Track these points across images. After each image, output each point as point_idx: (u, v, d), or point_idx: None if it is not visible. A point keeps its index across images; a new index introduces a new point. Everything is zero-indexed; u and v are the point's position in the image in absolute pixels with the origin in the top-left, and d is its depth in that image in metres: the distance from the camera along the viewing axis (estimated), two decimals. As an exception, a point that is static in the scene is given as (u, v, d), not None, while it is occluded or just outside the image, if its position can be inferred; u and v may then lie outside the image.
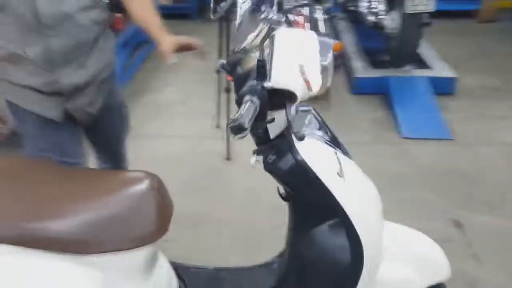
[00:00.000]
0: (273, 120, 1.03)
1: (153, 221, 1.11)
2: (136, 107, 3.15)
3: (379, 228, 1.18)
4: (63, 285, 1.01)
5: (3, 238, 0.98)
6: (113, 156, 1.76)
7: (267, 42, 0.94)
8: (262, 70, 0.92)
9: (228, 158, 2.62)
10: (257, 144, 1.12)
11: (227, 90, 2.61)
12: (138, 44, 3.88)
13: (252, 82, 0.93)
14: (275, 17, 0.91)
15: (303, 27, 2.82)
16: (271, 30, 0.93)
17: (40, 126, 1.42)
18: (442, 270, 1.26)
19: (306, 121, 1.14)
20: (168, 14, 4.72)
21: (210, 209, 2.22)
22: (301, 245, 1.21)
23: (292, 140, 1.04)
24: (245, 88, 0.92)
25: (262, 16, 0.88)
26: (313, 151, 1.07)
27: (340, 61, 3.13)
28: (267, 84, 0.92)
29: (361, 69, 3.39)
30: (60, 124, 1.43)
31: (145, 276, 1.15)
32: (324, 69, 1.03)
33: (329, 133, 1.18)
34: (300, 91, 0.96)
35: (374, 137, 2.86)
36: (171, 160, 2.61)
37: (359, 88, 3.34)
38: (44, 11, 1.24)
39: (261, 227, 2.09)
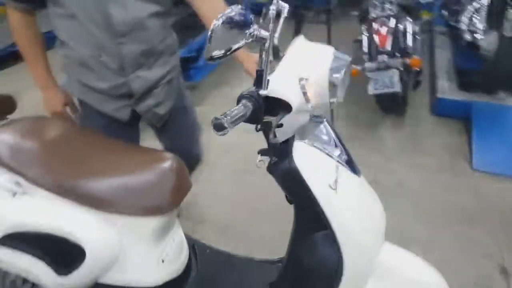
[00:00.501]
0: (281, 125, 1.10)
1: (167, 196, 1.27)
2: (213, 98, 3.38)
3: (371, 246, 1.18)
4: (85, 233, 1.21)
5: (47, 186, 1.22)
6: (187, 157, 1.90)
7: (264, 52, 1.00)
8: (260, 78, 1.00)
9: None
10: (268, 145, 1.20)
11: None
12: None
13: (252, 88, 1.02)
14: (262, 33, 0.97)
15: (385, 38, 2.77)
16: (262, 44, 0.99)
17: (105, 124, 1.55)
18: None
19: (316, 131, 1.18)
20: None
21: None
22: (296, 249, 1.27)
23: (291, 146, 1.11)
24: (244, 92, 1.01)
25: (250, 31, 0.94)
26: (309, 160, 1.11)
27: (418, 77, 3.00)
28: (262, 92, 1.00)
29: (446, 89, 3.20)
30: (124, 124, 1.56)
31: (154, 243, 1.32)
32: (332, 85, 1.07)
33: (337, 146, 1.20)
34: (295, 102, 1.01)
35: (442, 164, 2.69)
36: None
37: (441, 109, 3.16)
38: (117, 18, 1.35)
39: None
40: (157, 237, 1.32)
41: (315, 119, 1.19)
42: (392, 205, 2.34)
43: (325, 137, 1.19)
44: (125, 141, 1.49)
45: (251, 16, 0.94)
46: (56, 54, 1.51)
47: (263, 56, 0.99)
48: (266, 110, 1.02)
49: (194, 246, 1.57)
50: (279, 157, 1.13)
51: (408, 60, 2.72)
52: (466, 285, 1.87)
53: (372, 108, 3.21)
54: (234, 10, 0.92)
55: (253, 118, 1.00)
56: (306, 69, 1.04)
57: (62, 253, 1.21)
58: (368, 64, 2.77)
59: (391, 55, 2.75)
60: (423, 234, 2.15)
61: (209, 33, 0.89)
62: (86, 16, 1.34)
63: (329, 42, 2.68)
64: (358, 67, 2.78)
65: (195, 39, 3.69)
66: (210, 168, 2.07)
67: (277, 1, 1.01)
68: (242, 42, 0.94)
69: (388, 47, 2.77)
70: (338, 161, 1.16)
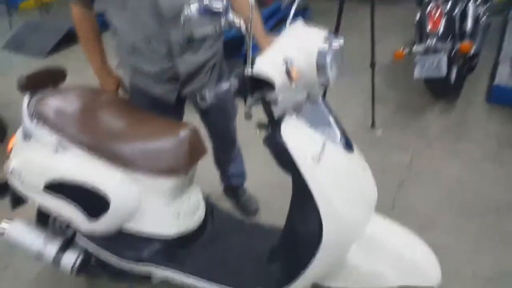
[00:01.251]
0: (275, 101, 1.20)
1: (181, 160, 1.45)
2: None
3: (354, 216, 1.25)
4: (110, 186, 1.43)
5: (83, 145, 1.45)
6: (223, 138, 2.01)
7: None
8: (246, 59, 1.11)
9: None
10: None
11: (372, 65, 2.69)
12: (280, 20, 4.16)
13: (240, 68, 1.13)
14: (235, 20, 1.08)
15: (437, 21, 2.68)
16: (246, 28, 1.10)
17: (152, 105, 1.67)
18: (426, 275, 1.28)
19: (310, 110, 1.26)
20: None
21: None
22: (290, 217, 1.39)
23: (281, 121, 1.21)
24: (235, 71, 1.13)
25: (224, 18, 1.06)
26: (295, 133, 1.20)
27: (471, 63, 2.85)
28: (247, 71, 1.10)
29: (504, 76, 3.00)
30: (170, 106, 1.70)
31: (170, 200, 1.52)
32: (321, 67, 1.14)
33: (330, 123, 1.27)
34: (279, 81, 1.11)
35: (486, 152, 2.57)
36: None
37: (496, 97, 2.97)
38: (164, 5, 1.46)
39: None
40: (173, 195, 1.51)
41: (312, 97, 1.27)
42: (425, 191, 2.33)
43: (318, 115, 1.27)
44: None
45: (226, 4, 1.05)
46: (108, 38, 1.69)
47: (246, 39, 1.09)
48: (255, 87, 1.13)
49: (212, 209, 1.74)
50: (271, 131, 1.23)
51: (459, 44, 2.61)
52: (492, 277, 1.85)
53: (420, 92, 3.12)
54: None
55: (240, 93, 1.11)
56: (293, 51, 1.13)
57: (91, 202, 1.45)
58: (415, 47, 2.70)
59: (441, 38, 2.65)
60: (454, 222, 2.12)
61: (181, 19, 1.01)
62: (136, 5, 1.48)
63: (372, 24, 2.63)
64: (406, 50, 2.72)
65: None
66: (244, 149, 2.19)
67: None
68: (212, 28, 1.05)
69: (440, 30, 2.67)
70: (327, 137, 1.24)
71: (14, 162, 1.56)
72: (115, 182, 1.44)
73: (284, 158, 1.22)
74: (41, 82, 1.62)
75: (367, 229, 1.31)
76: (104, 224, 1.47)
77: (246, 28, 1.11)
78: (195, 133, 1.49)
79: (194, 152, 1.47)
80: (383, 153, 2.62)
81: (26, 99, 1.58)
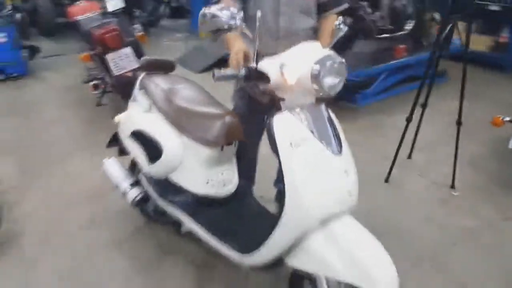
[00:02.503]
0: (283, 99, 1.54)
1: (218, 137, 1.87)
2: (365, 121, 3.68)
3: (316, 207, 1.45)
4: (166, 142, 1.95)
5: (162, 111, 2.01)
6: None
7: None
8: (256, 59, 1.50)
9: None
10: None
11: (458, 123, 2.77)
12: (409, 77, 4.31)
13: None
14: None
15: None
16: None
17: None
18: (372, 282, 1.37)
19: (311, 111, 1.53)
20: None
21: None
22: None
23: (274, 110, 1.54)
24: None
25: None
26: (283, 123, 1.50)
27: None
28: (252, 65, 1.49)
29: None
30: None
31: (202, 167, 1.95)
32: (313, 77, 1.44)
33: (325, 127, 1.53)
34: (273, 77, 1.46)
35: None
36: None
37: None
38: (282, 26, 1.94)
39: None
40: (207, 164, 1.96)
41: (316, 103, 1.56)
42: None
43: (319, 119, 1.54)
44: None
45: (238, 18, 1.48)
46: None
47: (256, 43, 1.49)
48: (258, 78, 1.51)
49: (247, 196, 2.11)
50: (268, 119, 1.57)
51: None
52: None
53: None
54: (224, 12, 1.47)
55: (246, 79, 1.51)
56: (292, 60, 1.47)
57: (152, 150, 1.98)
58: (512, 117, 2.62)
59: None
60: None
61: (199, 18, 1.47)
62: (264, 22, 1.83)
63: (462, 84, 2.67)
64: (506, 118, 2.66)
65: (366, 68, 4.10)
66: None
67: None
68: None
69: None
70: (317, 136, 1.49)
71: (120, 116, 2.23)
72: (170, 140, 1.96)
73: (272, 141, 1.53)
74: (156, 67, 2.28)
75: (336, 225, 1.48)
76: (156, 168, 1.99)
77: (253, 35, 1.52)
78: (235, 121, 1.90)
79: (229, 134, 1.88)
80: (451, 215, 2.58)
81: (142, 75, 2.25)
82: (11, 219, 2.50)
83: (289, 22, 1.96)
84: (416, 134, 3.04)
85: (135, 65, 3.61)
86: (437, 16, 4.54)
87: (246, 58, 1.69)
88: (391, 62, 4.29)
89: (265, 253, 1.61)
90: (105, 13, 4.29)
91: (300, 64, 1.46)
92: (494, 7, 5.17)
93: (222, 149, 1.94)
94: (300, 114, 1.52)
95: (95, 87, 3.91)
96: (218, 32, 1.50)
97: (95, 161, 2.51)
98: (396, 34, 4.38)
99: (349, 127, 3.58)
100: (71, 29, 6.12)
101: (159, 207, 2.18)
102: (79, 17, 4.21)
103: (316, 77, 1.43)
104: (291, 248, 1.55)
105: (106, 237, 2.38)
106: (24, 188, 2.86)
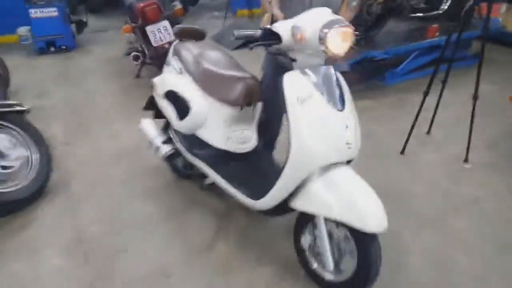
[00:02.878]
0: (295, 60, 1.75)
1: (238, 97, 2.11)
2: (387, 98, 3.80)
3: (317, 154, 1.66)
4: (194, 100, 2.20)
5: (191, 74, 2.27)
6: None
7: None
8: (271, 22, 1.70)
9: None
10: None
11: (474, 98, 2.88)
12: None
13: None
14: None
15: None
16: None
17: None
18: (364, 222, 1.59)
19: (320, 71, 1.71)
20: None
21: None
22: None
23: (287, 68, 1.74)
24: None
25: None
26: (292, 79, 1.70)
27: None
28: (267, 26, 1.70)
29: None
30: None
31: (224, 125, 2.21)
32: (320, 38, 1.61)
33: (332, 84, 1.71)
34: (284, 37, 1.67)
35: None
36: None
37: None
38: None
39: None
40: (227, 122, 2.21)
41: (327, 64, 1.75)
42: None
43: (328, 79, 1.72)
44: None
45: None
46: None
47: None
48: (272, 38, 1.71)
49: (269, 156, 2.35)
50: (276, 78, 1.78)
51: None
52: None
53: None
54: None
55: (262, 39, 1.73)
56: (302, 22, 1.65)
57: (182, 108, 2.25)
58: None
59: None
60: None
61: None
62: None
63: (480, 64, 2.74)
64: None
65: (394, 46, 4.18)
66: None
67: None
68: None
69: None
70: (323, 94, 1.68)
71: (155, 79, 2.51)
72: (197, 99, 2.22)
73: (282, 97, 1.73)
74: (188, 35, 2.53)
75: (335, 172, 1.69)
76: (185, 123, 2.25)
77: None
78: (254, 84, 2.12)
79: (247, 95, 2.12)
80: (458, 185, 2.71)
81: (175, 42, 2.51)
82: (62, 169, 2.87)
83: None
84: (435, 111, 3.16)
85: (172, 37, 3.89)
86: (471, -6, 4.48)
87: (273, 20, 1.90)
88: (421, 42, 4.32)
89: (272, 198, 1.85)
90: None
91: (309, 26, 1.64)
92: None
93: (241, 109, 2.18)
94: (309, 73, 1.71)
95: (136, 58, 4.24)
96: None
97: (133, 124, 2.82)
98: (429, 13, 4.37)
99: (376, 104, 3.85)
100: (115, 6, 6.54)
101: (186, 162, 2.47)
102: (123, -7, 4.53)
103: (322, 39, 1.61)
104: (294, 193, 1.77)
105: (140, 187, 2.70)
106: (72, 144, 3.24)
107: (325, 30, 1.61)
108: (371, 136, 3.22)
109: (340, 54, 1.66)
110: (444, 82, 3.00)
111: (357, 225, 1.61)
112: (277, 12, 2.03)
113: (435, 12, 4.65)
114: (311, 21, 1.67)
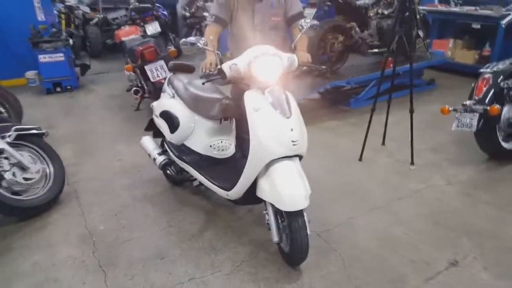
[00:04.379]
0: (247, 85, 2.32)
1: (216, 113, 2.68)
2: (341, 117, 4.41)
3: (268, 150, 2.12)
4: (183, 117, 2.78)
5: (181, 97, 2.86)
6: None
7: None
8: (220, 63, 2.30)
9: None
10: None
11: (410, 111, 3.44)
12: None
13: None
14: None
15: (480, 90, 3.22)
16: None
17: None
18: (283, 203, 2.08)
19: (272, 90, 2.26)
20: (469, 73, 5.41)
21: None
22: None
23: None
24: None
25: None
26: (250, 96, 2.22)
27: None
28: (218, 67, 2.29)
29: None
30: None
31: (207, 136, 2.77)
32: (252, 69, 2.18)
33: (278, 99, 2.22)
34: (227, 73, 2.23)
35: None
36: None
37: None
38: (258, 40, 2.59)
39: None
40: (210, 133, 2.78)
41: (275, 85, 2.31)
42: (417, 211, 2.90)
43: (276, 94, 2.20)
44: None
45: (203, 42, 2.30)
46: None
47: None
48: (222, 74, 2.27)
49: (241, 157, 2.89)
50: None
51: (488, 108, 3.09)
52: None
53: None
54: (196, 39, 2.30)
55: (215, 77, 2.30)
56: (238, 60, 2.21)
57: (173, 124, 2.82)
58: (458, 107, 3.28)
59: (478, 102, 3.18)
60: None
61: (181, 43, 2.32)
62: (244, 38, 2.71)
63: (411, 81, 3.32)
64: (450, 108, 3.30)
65: (356, 76, 4.85)
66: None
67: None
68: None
69: (479, 96, 3.21)
70: (273, 106, 2.19)
71: (154, 103, 3.09)
72: (185, 116, 2.80)
73: (244, 108, 2.25)
74: (180, 69, 3.14)
75: (276, 165, 2.14)
76: (176, 136, 2.81)
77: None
78: (229, 103, 2.67)
79: (225, 111, 2.66)
80: (404, 181, 3.25)
81: (170, 74, 3.12)
82: (72, 184, 3.38)
83: (262, 37, 2.64)
84: (385, 127, 3.80)
85: (167, 74, 4.53)
86: (421, 33, 5.24)
87: (212, 65, 2.45)
88: (377, 73, 4.98)
89: (239, 187, 2.34)
90: (144, 36, 5.31)
91: (242, 62, 2.20)
92: (476, 25, 5.84)
93: (220, 122, 2.75)
94: (263, 92, 2.22)
95: (136, 92, 4.86)
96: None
97: (134, 147, 3.37)
98: (383, 49, 5.06)
99: (342, 123, 4.50)
100: (115, 51, 7.26)
101: (178, 167, 3.00)
102: (124, 38, 5.23)
103: (255, 70, 2.16)
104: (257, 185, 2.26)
105: (141, 194, 3.20)
106: (80, 164, 3.76)
107: (251, 62, 2.15)
108: (336, 147, 3.81)
109: (270, 81, 2.17)
110: (389, 101, 3.62)
111: (277, 205, 2.11)
112: (212, 58, 2.48)
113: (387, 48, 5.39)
114: (246, 57, 2.20)
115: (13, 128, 3.00)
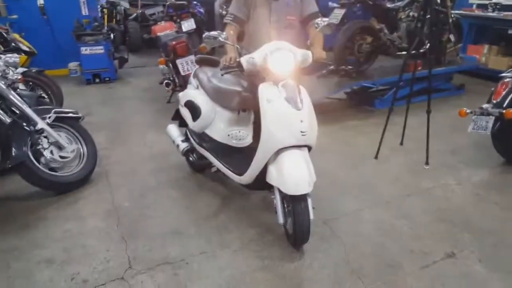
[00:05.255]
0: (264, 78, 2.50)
1: (234, 104, 2.87)
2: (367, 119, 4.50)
3: (277, 138, 2.28)
4: (204, 106, 3.00)
5: (204, 88, 3.08)
6: None
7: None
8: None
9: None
10: None
11: (428, 112, 3.52)
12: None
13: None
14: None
15: (499, 93, 3.27)
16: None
17: None
18: (287, 186, 2.25)
19: (285, 84, 2.42)
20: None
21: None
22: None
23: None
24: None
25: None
26: (264, 88, 2.38)
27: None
28: (237, 59, 2.47)
29: None
30: None
31: (226, 124, 2.97)
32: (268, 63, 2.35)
33: (292, 93, 2.37)
34: (245, 65, 2.39)
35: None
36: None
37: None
38: (273, 38, 2.70)
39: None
40: (228, 123, 2.97)
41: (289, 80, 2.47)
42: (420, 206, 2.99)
43: (289, 88, 2.36)
44: None
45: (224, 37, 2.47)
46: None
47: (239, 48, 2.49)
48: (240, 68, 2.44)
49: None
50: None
51: (504, 111, 3.11)
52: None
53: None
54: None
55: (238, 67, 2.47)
56: (256, 54, 2.38)
57: (195, 112, 3.04)
58: (475, 110, 3.31)
59: (495, 105, 3.20)
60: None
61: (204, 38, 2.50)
62: (260, 36, 2.84)
63: (429, 82, 3.38)
64: (468, 110, 3.34)
65: (380, 78, 4.90)
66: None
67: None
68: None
69: (497, 99, 3.23)
70: (286, 98, 2.36)
71: (179, 94, 3.32)
72: (207, 106, 3.01)
73: (257, 98, 2.43)
74: (206, 62, 3.35)
75: (284, 153, 2.29)
76: (198, 124, 3.03)
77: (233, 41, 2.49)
78: (247, 96, 2.84)
79: (242, 103, 2.85)
80: (416, 180, 3.32)
81: (197, 67, 3.34)
82: (102, 166, 3.67)
83: (278, 35, 2.70)
84: (404, 126, 3.87)
85: (197, 68, 4.79)
86: (452, 37, 5.22)
87: (232, 59, 2.61)
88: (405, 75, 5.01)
89: (250, 172, 2.52)
90: (178, 32, 5.59)
91: (258, 57, 2.36)
92: (512, 31, 5.75)
93: (239, 113, 2.94)
94: (277, 85, 2.37)
95: (167, 85, 5.15)
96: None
97: (163, 136, 3.62)
98: (411, 52, 5.06)
99: (363, 123, 4.62)
100: (152, 46, 7.62)
101: (199, 154, 3.21)
102: (159, 34, 5.52)
103: (270, 63, 2.32)
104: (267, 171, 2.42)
105: (165, 178, 3.45)
106: (112, 149, 4.06)
107: (267, 57, 2.31)
108: (355, 145, 3.91)
109: (284, 75, 2.33)
110: (408, 103, 3.70)
111: (282, 189, 2.27)
112: (231, 52, 2.66)
113: (416, 51, 5.40)
114: (262, 52, 2.36)
115: (53, 111, 3.30)
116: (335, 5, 5.09)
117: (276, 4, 2.86)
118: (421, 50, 5.09)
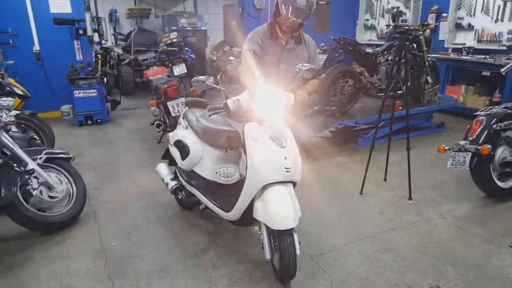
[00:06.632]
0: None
1: (222, 143, 2.97)
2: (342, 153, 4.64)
3: (263, 174, 2.36)
4: (192, 146, 3.09)
5: (193, 128, 3.19)
6: None
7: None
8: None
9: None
10: None
11: (407, 149, 3.65)
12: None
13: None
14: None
15: (474, 131, 3.42)
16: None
17: None
18: (272, 221, 2.30)
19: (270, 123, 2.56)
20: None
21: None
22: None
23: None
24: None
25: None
26: (249, 127, 2.49)
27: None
28: (226, 102, 2.57)
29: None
30: None
31: (214, 162, 3.05)
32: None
33: (274, 131, 2.49)
34: (231, 107, 2.50)
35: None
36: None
37: None
38: (283, 76, 2.94)
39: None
40: (216, 160, 3.06)
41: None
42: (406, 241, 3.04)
43: (274, 127, 2.48)
44: None
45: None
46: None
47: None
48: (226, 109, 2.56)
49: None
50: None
51: (479, 147, 3.26)
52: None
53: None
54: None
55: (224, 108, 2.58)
56: (242, 97, 2.53)
57: (184, 151, 3.13)
58: (453, 146, 3.45)
59: (472, 142, 3.36)
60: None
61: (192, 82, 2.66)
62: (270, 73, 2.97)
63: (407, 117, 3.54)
64: (446, 147, 3.47)
65: (363, 118, 5.10)
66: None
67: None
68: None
69: (473, 136, 3.39)
70: (271, 136, 2.47)
71: (170, 134, 3.43)
72: (195, 145, 3.11)
73: (243, 137, 2.54)
74: (194, 104, 3.49)
75: (269, 189, 2.37)
76: (186, 162, 3.11)
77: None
78: (234, 135, 2.95)
79: (229, 142, 2.94)
80: (400, 214, 3.40)
81: (186, 108, 3.47)
82: (91, 205, 3.70)
83: (285, 84, 2.77)
84: (387, 163, 4.01)
85: (187, 110, 4.94)
86: (429, 79, 5.50)
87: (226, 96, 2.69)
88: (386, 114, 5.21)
89: (237, 209, 2.58)
90: (170, 76, 5.81)
91: (245, 99, 2.52)
92: (485, 73, 6.06)
93: (226, 151, 3.04)
94: (262, 124, 2.50)
95: (158, 125, 5.28)
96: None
97: (151, 175, 3.69)
98: (389, 94, 5.30)
99: (348, 159, 4.76)
100: (145, 89, 7.83)
101: (187, 192, 3.27)
102: (151, 77, 5.72)
103: (255, 106, 2.46)
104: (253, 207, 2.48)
105: (154, 216, 3.48)
106: (101, 188, 4.10)
107: (252, 98, 2.46)
108: (340, 181, 4.00)
109: (268, 116, 2.44)
110: (389, 141, 3.86)
111: (268, 224, 2.33)
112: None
113: (395, 93, 5.65)
114: (247, 94, 2.52)
115: (44, 152, 3.38)
116: (318, 50, 5.35)
117: (287, 54, 3.02)
118: (399, 92, 5.35)
